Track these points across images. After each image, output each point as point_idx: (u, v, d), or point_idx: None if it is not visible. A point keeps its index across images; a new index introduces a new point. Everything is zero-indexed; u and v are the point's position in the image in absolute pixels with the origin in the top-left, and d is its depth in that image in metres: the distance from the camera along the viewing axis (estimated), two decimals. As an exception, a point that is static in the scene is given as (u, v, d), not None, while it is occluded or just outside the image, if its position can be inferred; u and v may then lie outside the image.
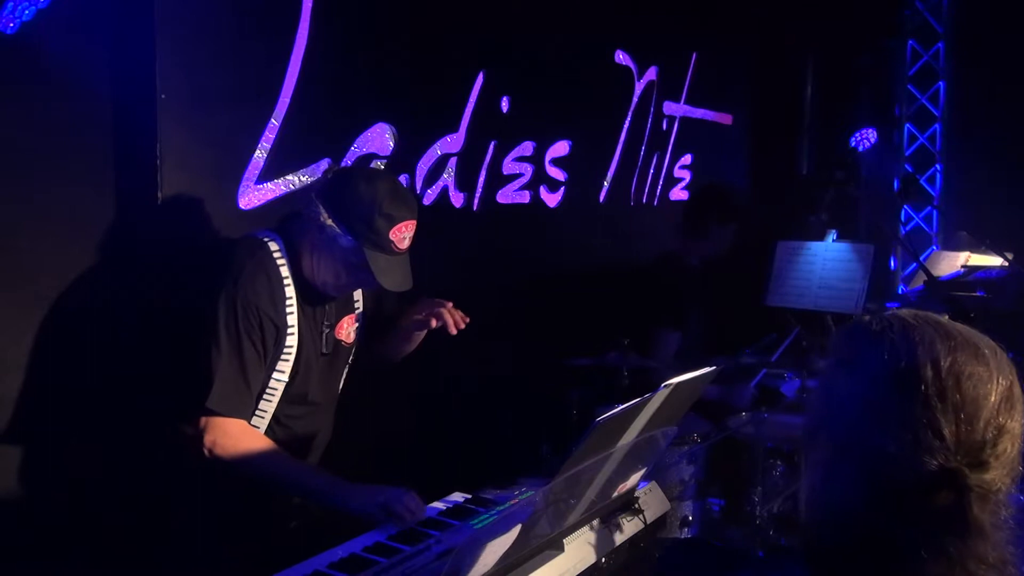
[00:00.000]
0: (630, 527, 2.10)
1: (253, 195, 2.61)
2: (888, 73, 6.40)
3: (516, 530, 1.69)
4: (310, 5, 2.73)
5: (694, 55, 4.80)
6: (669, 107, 4.66)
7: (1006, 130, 5.76)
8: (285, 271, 2.11)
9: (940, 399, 1.00)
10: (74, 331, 2.25)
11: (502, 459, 2.61)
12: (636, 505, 2.12)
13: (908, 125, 6.50)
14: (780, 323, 4.09)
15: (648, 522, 2.16)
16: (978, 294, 4.48)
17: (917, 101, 6.44)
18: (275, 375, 2.14)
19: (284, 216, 2.25)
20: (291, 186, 2.72)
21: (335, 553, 1.86)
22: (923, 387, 1.00)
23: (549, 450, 3.03)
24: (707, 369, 1.96)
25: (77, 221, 2.26)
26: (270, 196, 2.65)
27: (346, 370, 2.40)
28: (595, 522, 2.01)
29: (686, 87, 4.77)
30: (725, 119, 5.24)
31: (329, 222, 2.05)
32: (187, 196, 2.41)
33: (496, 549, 1.69)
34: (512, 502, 2.12)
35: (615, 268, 4.04)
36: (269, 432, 2.18)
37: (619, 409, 1.68)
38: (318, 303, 2.19)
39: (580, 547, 1.93)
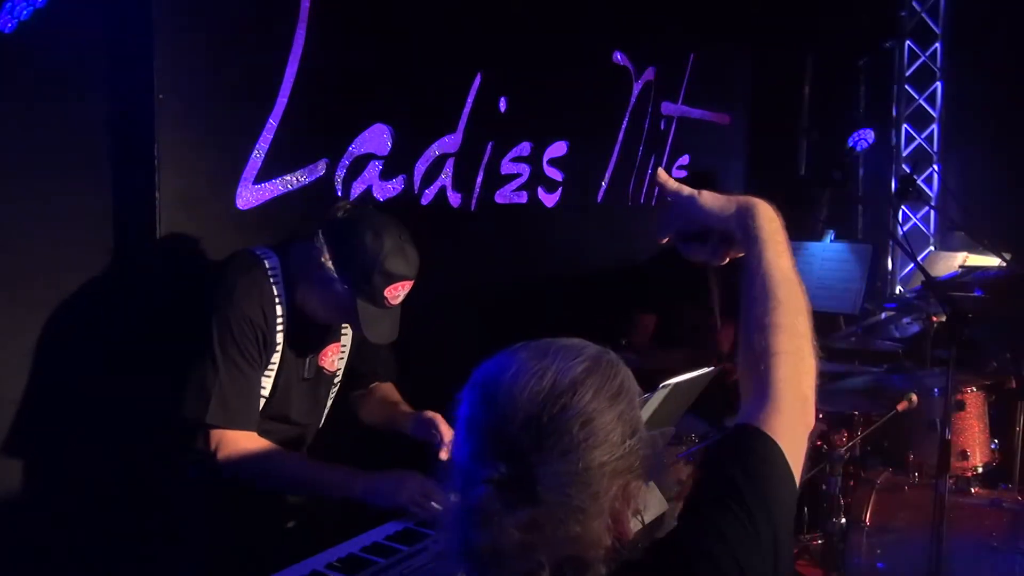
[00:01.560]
0: (628, 527, 2.10)
1: (251, 195, 2.60)
2: (886, 73, 6.41)
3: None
4: (307, 5, 2.73)
5: (691, 55, 4.81)
6: (667, 107, 4.66)
7: (1004, 130, 5.77)
8: (277, 290, 2.11)
9: None
10: (72, 331, 2.25)
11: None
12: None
13: (906, 125, 6.51)
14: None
15: (646, 522, 2.16)
16: (976, 294, 4.49)
17: (915, 101, 6.45)
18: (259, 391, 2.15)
19: (288, 237, 2.24)
20: (289, 186, 2.72)
21: (334, 553, 1.87)
22: None
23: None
24: (706, 369, 1.96)
25: (75, 221, 2.26)
26: (268, 196, 2.65)
27: (331, 398, 2.38)
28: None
29: (683, 87, 4.78)
30: (723, 119, 5.24)
31: (329, 264, 2.05)
32: (185, 196, 2.41)
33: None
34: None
35: (613, 268, 4.04)
36: None
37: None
38: (305, 328, 2.18)
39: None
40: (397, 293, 2.08)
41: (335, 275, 2.05)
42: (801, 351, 1.16)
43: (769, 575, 1.02)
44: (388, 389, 2.49)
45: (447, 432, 2.15)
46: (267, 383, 2.14)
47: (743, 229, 1.24)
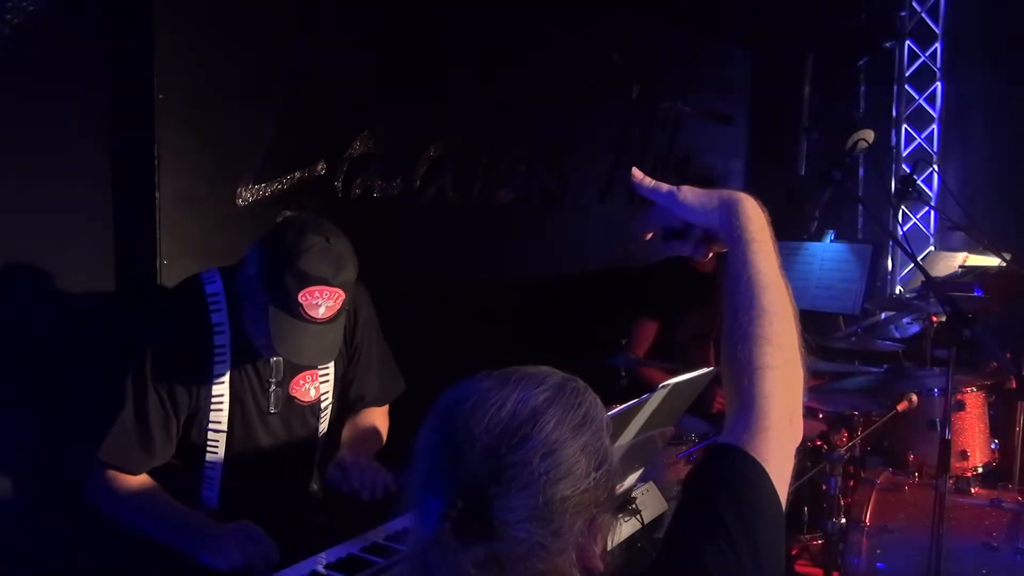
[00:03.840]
0: (627, 527, 2.10)
1: (250, 195, 2.61)
2: (886, 73, 6.42)
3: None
4: (308, 5, 2.73)
5: (693, 55, 4.81)
6: (667, 107, 4.66)
7: (1004, 130, 5.77)
8: (219, 318, 1.94)
9: None
10: (72, 331, 2.25)
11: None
12: (633, 505, 2.12)
13: (906, 125, 6.51)
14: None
15: (645, 522, 2.16)
16: (976, 294, 4.49)
17: (915, 101, 6.45)
18: (211, 426, 1.99)
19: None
20: (289, 186, 2.72)
21: (333, 553, 1.86)
22: None
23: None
24: (706, 369, 1.96)
25: (76, 221, 2.26)
26: (267, 196, 2.65)
27: (322, 426, 2.17)
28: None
29: (685, 87, 4.77)
30: (723, 119, 5.24)
31: (253, 272, 1.86)
32: (185, 196, 2.41)
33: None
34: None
35: (612, 268, 4.04)
36: (228, 478, 2.04)
37: (617, 410, 1.69)
38: (260, 356, 1.99)
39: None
40: (315, 301, 1.81)
41: (256, 282, 1.85)
42: (788, 364, 1.11)
43: None
44: (367, 417, 2.27)
45: (356, 476, 1.96)
46: (221, 417, 1.98)
47: (726, 227, 1.18)
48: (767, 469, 1.04)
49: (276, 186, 2.68)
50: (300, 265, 1.79)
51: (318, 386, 2.12)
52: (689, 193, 1.22)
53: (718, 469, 1.05)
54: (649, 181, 1.25)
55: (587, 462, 0.96)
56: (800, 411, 1.12)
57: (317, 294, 1.81)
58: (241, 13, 2.55)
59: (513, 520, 0.91)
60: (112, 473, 1.92)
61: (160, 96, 2.32)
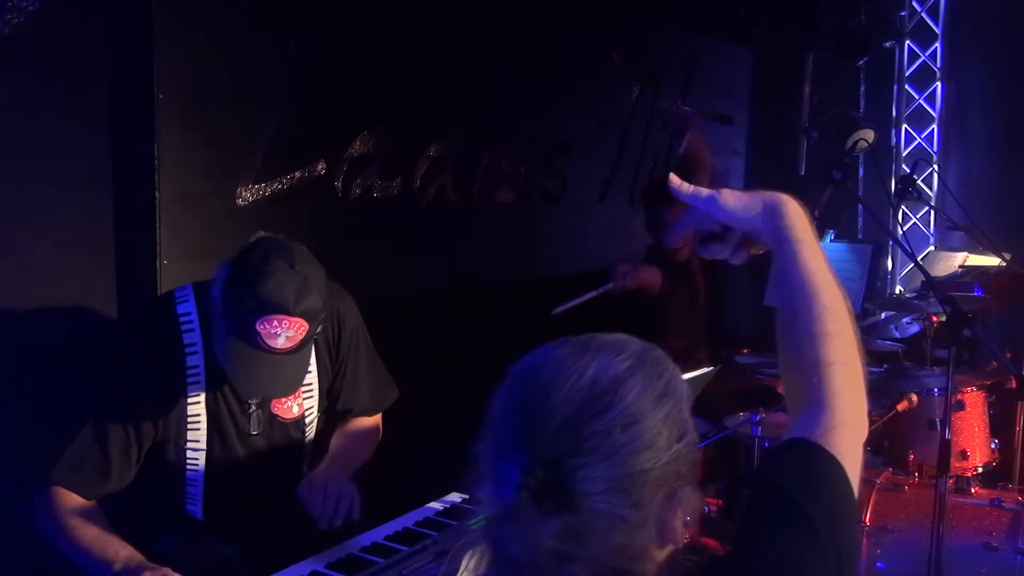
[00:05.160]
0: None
1: (250, 195, 2.61)
2: (886, 73, 6.42)
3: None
4: (308, 6, 2.73)
5: (693, 55, 4.81)
6: (667, 106, 4.65)
7: (1004, 130, 5.77)
8: (192, 338, 1.86)
9: None
10: (73, 331, 2.25)
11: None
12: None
13: (906, 125, 6.51)
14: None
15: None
16: (976, 294, 4.49)
17: (915, 101, 6.45)
18: (189, 445, 1.92)
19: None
20: (289, 186, 2.72)
21: (334, 553, 1.87)
22: None
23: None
24: (706, 369, 1.96)
25: (76, 221, 2.26)
26: (267, 196, 2.65)
27: (308, 441, 2.09)
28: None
29: (685, 87, 4.77)
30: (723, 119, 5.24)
31: (217, 292, 1.77)
32: (185, 196, 2.42)
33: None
34: (510, 502, 2.12)
35: (613, 268, 4.04)
36: (210, 494, 1.99)
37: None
38: None
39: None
40: (274, 330, 1.70)
41: (218, 308, 1.76)
42: (852, 359, 1.10)
43: None
44: (355, 427, 2.20)
45: (315, 503, 1.86)
46: (199, 436, 1.91)
47: (772, 229, 1.18)
48: (842, 462, 1.03)
49: (276, 186, 2.68)
50: (259, 292, 1.69)
51: (301, 403, 2.03)
52: (730, 196, 1.21)
53: (797, 464, 1.03)
54: (687, 186, 1.23)
55: (669, 433, 0.95)
56: (865, 406, 1.11)
57: (276, 323, 1.70)
58: (241, 13, 2.55)
59: (593, 492, 0.90)
60: (59, 492, 1.81)
61: (160, 96, 2.32)
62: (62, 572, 1.93)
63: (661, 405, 0.95)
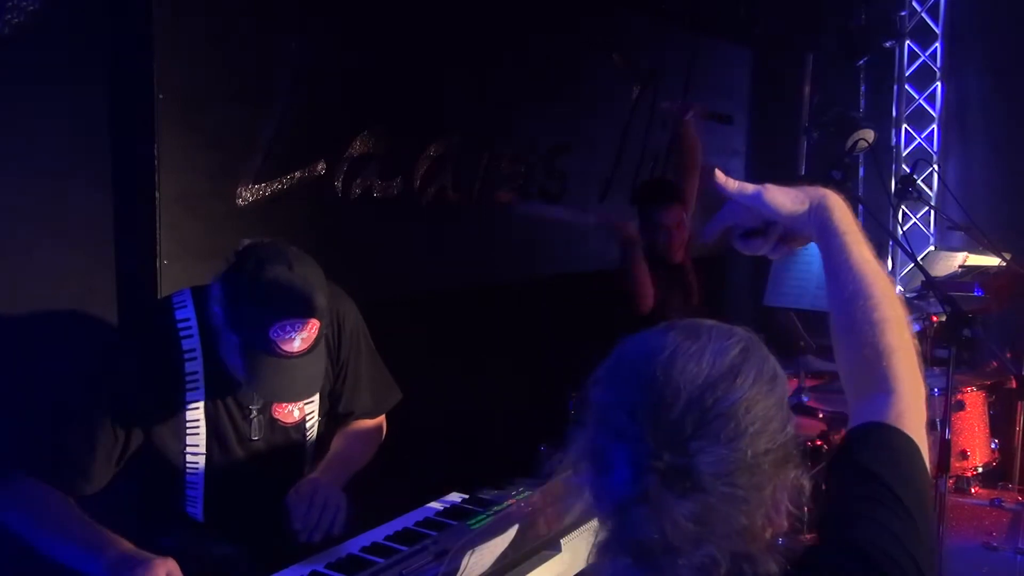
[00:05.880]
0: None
1: (250, 195, 2.61)
2: (886, 73, 6.42)
3: (513, 530, 1.69)
4: (308, 6, 2.73)
5: (693, 55, 4.81)
6: (667, 106, 4.65)
7: (1004, 130, 5.77)
8: (191, 344, 1.84)
9: None
10: (73, 331, 2.25)
11: (500, 459, 2.61)
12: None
13: (906, 125, 6.51)
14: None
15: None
16: (976, 294, 4.49)
17: (915, 101, 6.45)
18: (189, 449, 1.90)
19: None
20: (289, 186, 2.72)
21: (333, 553, 1.87)
22: None
23: (547, 450, 3.03)
24: None
25: (76, 221, 2.26)
26: (267, 196, 2.65)
27: (309, 442, 2.08)
28: (593, 522, 2.01)
29: (685, 87, 4.77)
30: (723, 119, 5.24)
31: (218, 309, 1.75)
32: (185, 196, 2.41)
33: (494, 549, 1.69)
34: (509, 502, 2.12)
35: (613, 268, 4.04)
36: (210, 496, 1.97)
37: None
38: (238, 383, 1.86)
39: (578, 547, 1.93)
40: (287, 335, 1.71)
41: (224, 323, 1.75)
42: (910, 343, 1.13)
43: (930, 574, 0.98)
44: (355, 430, 2.19)
45: (298, 515, 1.85)
46: (199, 441, 1.90)
47: (819, 224, 1.21)
48: (916, 442, 1.06)
49: (276, 186, 2.68)
50: (264, 301, 1.69)
51: (302, 407, 2.02)
52: (777, 192, 1.23)
53: (874, 444, 1.06)
54: (733, 182, 1.24)
55: (781, 417, 0.97)
56: (924, 390, 1.14)
57: (289, 328, 1.70)
58: (241, 13, 2.55)
59: (719, 473, 0.91)
60: (33, 483, 1.76)
61: (160, 96, 2.32)
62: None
63: (773, 389, 0.98)
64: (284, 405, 1.98)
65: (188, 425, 1.89)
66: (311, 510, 1.84)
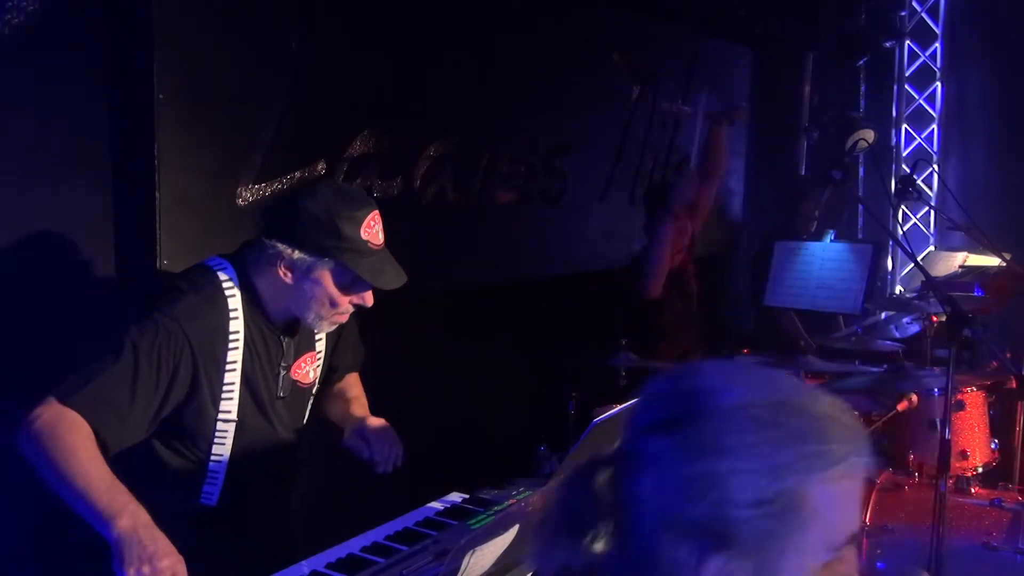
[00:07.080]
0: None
1: (250, 195, 2.61)
2: (886, 73, 6.42)
3: (514, 530, 1.69)
4: (308, 5, 2.73)
5: (693, 55, 4.81)
6: (667, 107, 4.66)
7: (1004, 130, 5.78)
8: (235, 303, 1.91)
9: None
10: (73, 331, 2.25)
11: (500, 459, 2.61)
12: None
13: (906, 125, 6.51)
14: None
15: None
16: (976, 294, 4.49)
17: (915, 101, 6.45)
18: (221, 416, 1.93)
19: (241, 247, 2.01)
20: (288, 186, 2.72)
21: (334, 553, 1.87)
22: None
23: (547, 450, 3.04)
24: (620, 407, 1.96)
25: (76, 221, 2.26)
26: (267, 196, 2.65)
27: (308, 409, 2.17)
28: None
29: (685, 87, 4.77)
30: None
31: (297, 255, 1.85)
32: (185, 196, 2.42)
33: (494, 549, 1.69)
34: (510, 502, 2.12)
35: (613, 268, 4.04)
36: (231, 473, 1.98)
37: (617, 409, 1.69)
38: (273, 342, 1.98)
39: (578, 547, 1.93)
40: (374, 229, 1.91)
41: (309, 260, 1.86)
42: None
43: None
44: (351, 380, 2.31)
45: (377, 448, 2.04)
46: (231, 407, 1.93)
47: None
48: None
49: (276, 186, 2.68)
50: (344, 212, 1.85)
51: (316, 368, 2.12)
52: None
53: None
54: None
55: None
56: None
57: (372, 222, 1.90)
58: (241, 13, 2.55)
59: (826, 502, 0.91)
60: (72, 415, 1.71)
61: (160, 96, 2.32)
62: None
63: None
64: (302, 365, 2.07)
65: (224, 389, 1.92)
66: (383, 444, 2.06)
